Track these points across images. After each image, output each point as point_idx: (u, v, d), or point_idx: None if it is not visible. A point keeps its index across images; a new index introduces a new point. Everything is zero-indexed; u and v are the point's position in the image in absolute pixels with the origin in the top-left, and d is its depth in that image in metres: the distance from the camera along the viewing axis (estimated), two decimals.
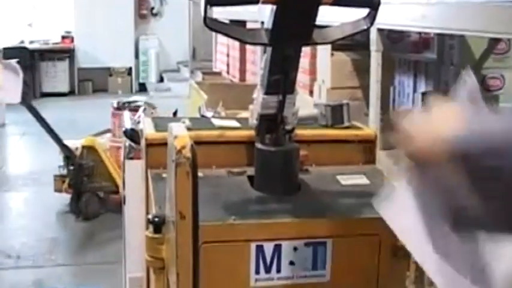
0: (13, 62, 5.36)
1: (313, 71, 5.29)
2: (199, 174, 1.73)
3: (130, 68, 12.79)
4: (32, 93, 12.11)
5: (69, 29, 12.68)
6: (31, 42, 12.60)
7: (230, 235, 1.89)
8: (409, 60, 5.95)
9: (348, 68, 4.86)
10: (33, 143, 8.55)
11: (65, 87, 12.64)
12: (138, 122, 3.08)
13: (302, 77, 5.52)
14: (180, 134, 1.74)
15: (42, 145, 8.27)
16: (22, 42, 12.51)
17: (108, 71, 12.75)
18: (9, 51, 10.82)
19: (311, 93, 5.31)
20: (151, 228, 1.93)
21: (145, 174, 2.42)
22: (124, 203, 3.15)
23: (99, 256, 4.59)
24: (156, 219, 1.92)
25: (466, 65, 5.08)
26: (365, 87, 4.65)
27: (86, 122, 9.46)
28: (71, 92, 12.72)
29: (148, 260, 1.96)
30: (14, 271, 4.34)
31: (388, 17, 4.02)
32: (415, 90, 5.83)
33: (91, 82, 12.91)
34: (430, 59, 5.83)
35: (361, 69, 4.76)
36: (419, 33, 6.14)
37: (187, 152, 1.68)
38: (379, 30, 4.09)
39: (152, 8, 12.96)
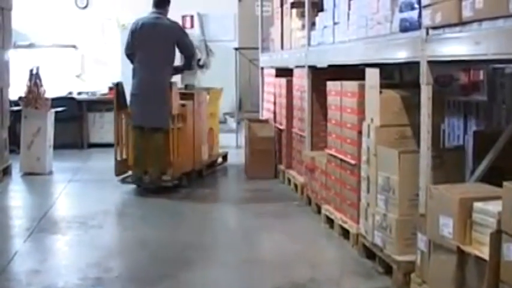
0: None
1: (361, 111, 5.22)
2: None
3: None
4: (80, 144, 12.27)
5: (117, 80, 12.78)
6: (79, 93, 12.77)
7: None
8: (458, 101, 5.85)
9: (397, 105, 4.77)
10: (77, 189, 8.77)
11: (112, 138, 12.68)
12: None
13: (350, 117, 5.45)
14: None
15: (86, 191, 8.45)
16: (70, 93, 12.70)
17: None
18: (57, 101, 10.94)
19: (359, 133, 5.23)
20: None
21: None
22: None
23: None
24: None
25: None
26: (415, 125, 4.55)
27: None
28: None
29: None
30: None
31: (438, 48, 3.94)
32: (465, 132, 5.71)
33: None
34: (481, 101, 5.72)
35: (411, 107, 4.66)
36: (469, 75, 6.04)
37: None
38: (429, 62, 4.01)
39: (199, 60, 13.03)
